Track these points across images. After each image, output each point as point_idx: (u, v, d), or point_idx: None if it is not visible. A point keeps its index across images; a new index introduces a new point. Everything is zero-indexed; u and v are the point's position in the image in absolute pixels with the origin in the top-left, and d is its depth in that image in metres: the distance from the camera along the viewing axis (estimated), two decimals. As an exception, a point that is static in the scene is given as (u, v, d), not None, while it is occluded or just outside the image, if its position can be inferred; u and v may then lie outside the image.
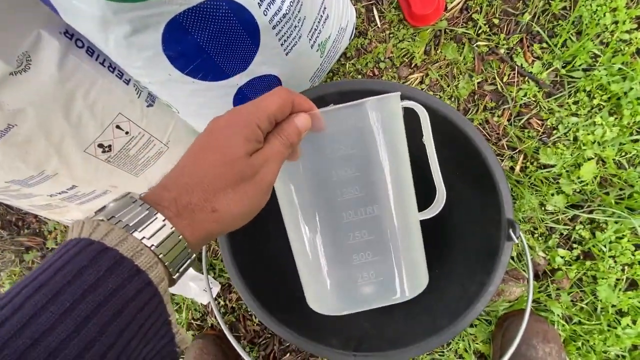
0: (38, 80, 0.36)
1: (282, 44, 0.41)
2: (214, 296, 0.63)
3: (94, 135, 0.44)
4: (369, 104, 0.28)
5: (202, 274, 0.63)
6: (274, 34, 0.39)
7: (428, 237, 0.52)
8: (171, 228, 0.18)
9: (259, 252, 0.46)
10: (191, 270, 0.61)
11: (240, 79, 0.42)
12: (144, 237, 0.17)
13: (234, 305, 0.65)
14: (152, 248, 0.17)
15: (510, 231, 0.34)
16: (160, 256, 0.18)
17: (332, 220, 0.29)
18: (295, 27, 0.42)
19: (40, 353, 0.13)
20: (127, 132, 0.47)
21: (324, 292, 0.32)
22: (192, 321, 0.66)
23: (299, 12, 0.41)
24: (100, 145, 0.45)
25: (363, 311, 0.45)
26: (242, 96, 0.45)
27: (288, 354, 0.63)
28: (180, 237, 0.18)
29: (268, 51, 0.41)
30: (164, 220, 0.18)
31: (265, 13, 0.36)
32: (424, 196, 0.35)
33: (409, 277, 0.32)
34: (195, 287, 0.61)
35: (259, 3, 0.35)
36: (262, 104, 0.22)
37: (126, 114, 0.46)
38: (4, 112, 0.36)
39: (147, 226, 0.17)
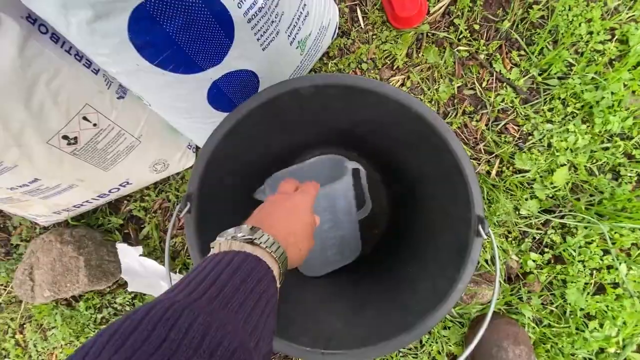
0: (-5, 65, 0.34)
1: (258, 39, 0.41)
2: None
3: (58, 126, 0.42)
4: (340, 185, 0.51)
5: (175, 273, 0.61)
6: (249, 28, 0.38)
7: (403, 236, 0.52)
8: (285, 253, 0.30)
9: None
10: (164, 270, 0.60)
11: (214, 73, 0.41)
12: (272, 252, 0.28)
13: (207, 306, 0.63)
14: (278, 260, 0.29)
15: (480, 227, 0.34)
16: (281, 265, 0.29)
17: (322, 241, 0.54)
18: (273, 22, 0.41)
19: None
20: (94, 124, 0.45)
21: (312, 269, 0.57)
22: (163, 322, 0.64)
23: (276, 7, 0.40)
24: (65, 137, 0.43)
25: (335, 310, 0.45)
26: (216, 90, 0.44)
27: (261, 356, 0.62)
28: (287, 258, 0.30)
29: (243, 45, 0.40)
30: (281, 249, 0.29)
31: (240, 6, 0.35)
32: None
33: (353, 251, 0.57)
34: (166, 286, 0.59)
35: (232, -5, 0.34)
36: (312, 192, 0.38)
37: (94, 105, 0.44)
38: (-45, 98, 0.33)
39: (276, 249, 0.29)
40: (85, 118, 0.44)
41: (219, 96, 0.45)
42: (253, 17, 0.37)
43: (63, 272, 0.56)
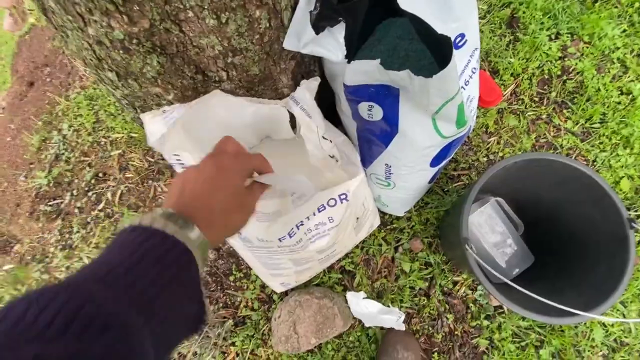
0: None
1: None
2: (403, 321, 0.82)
3: (356, 215, 0.66)
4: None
5: (397, 309, 0.82)
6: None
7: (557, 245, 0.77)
8: (203, 236, 0.28)
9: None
10: (384, 307, 0.80)
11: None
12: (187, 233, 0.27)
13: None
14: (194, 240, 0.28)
15: (632, 223, 0.61)
16: (195, 246, 0.28)
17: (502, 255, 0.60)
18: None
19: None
20: (364, 206, 0.70)
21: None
22: (385, 349, 0.82)
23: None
24: (357, 219, 0.67)
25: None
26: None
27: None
28: (206, 241, 0.29)
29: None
30: (199, 231, 0.28)
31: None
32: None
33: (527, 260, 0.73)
34: (390, 318, 0.80)
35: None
36: (252, 161, 0.34)
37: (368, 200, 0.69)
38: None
39: (191, 230, 0.28)
40: (363, 204, 0.69)
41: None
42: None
43: (324, 321, 0.76)
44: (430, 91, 0.42)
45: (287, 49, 0.41)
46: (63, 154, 1.16)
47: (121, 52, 0.36)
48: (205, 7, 0.32)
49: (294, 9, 0.41)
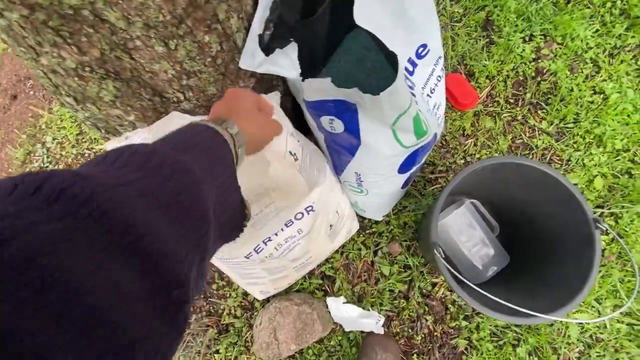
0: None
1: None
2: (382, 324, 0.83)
3: (330, 222, 0.67)
4: None
5: (376, 313, 0.84)
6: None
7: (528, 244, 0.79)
8: (240, 131, 0.34)
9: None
10: (363, 311, 0.82)
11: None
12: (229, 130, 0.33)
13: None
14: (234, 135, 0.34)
15: (597, 223, 0.62)
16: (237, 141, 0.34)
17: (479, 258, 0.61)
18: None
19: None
20: (339, 214, 0.71)
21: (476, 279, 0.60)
22: (366, 352, 0.84)
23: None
24: (330, 226, 0.69)
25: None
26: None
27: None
28: (243, 134, 0.34)
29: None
30: (237, 128, 0.34)
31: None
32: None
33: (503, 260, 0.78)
34: (369, 322, 0.81)
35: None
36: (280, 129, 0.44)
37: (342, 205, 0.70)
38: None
39: (232, 128, 0.34)
40: (337, 211, 0.70)
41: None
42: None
43: (303, 327, 0.77)
44: (382, 106, 0.43)
45: (243, 68, 0.43)
46: (47, 166, 1.16)
47: (76, 79, 0.37)
48: (152, 35, 0.34)
49: (248, 29, 0.42)
